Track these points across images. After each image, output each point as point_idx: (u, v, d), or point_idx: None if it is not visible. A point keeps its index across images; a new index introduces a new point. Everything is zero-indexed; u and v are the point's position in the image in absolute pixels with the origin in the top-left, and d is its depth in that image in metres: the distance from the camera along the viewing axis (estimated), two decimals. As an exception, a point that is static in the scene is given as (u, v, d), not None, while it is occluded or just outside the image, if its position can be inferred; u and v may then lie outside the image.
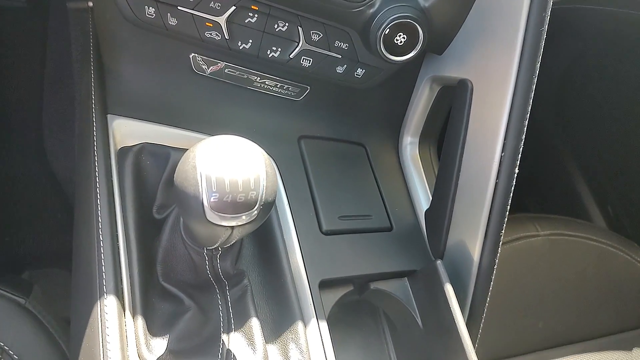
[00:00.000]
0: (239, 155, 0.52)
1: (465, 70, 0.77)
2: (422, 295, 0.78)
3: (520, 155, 0.71)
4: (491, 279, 0.74)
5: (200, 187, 0.50)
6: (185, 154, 0.55)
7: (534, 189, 1.76)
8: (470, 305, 0.76)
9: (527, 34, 0.68)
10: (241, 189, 0.50)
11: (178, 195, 0.54)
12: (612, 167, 1.58)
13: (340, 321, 0.79)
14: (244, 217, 0.52)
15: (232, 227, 0.53)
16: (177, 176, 0.54)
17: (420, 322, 0.78)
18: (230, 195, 0.50)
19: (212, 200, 0.50)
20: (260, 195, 0.52)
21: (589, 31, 1.30)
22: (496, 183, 0.71)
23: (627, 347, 1.17)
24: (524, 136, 0.71)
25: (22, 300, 0.80)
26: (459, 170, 0.77)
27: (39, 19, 1.18)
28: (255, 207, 0.52)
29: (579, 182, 1.67)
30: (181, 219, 0.65)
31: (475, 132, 0.75)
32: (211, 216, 0.51)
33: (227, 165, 0.50)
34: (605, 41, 1.30)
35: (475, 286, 0.75)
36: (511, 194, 0.72)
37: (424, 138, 0.94)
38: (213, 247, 0.64)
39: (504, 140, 0.70)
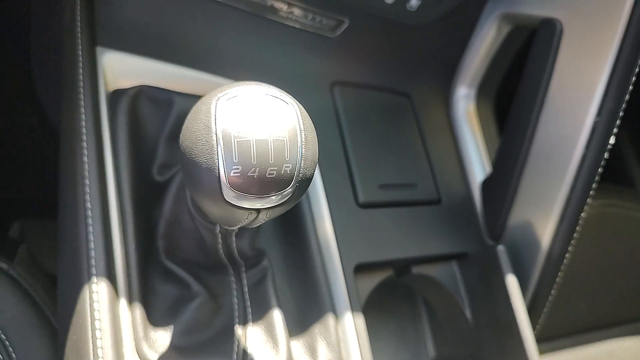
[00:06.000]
0: (269, 112, 0.40)
1: (553, 7, 0.63)
2: (473, 284, 0.68)
3: (619, 122, 0.56)
4: (560, 269, 0.63)
5: (216, 155, 0.38)
6: (195, 107, 0.41)
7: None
8: (531, 299, 0.65)
9: None
10: (272, 160, 0.39)
11: (186, 165, 0.40)
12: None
13: (372, 304, 0.69)
14: (273, 197, 0.40)
15: (258, 210, 0.41)
16: (185, 138, 0.40)
17: (468, 314, 0.68)
18: (258, 169, 0.38)
19: (232, 174, 0.39)
20: (297, 167, 0.40)
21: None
22: (584, 154, 0.58)
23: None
24: (627, 97, 0.55)
25: (5, 266, 0.70)
26: (532, 134, 0.65)
27: None
28: (290, 185, 0.40)
29: (624, 144, 1.53)
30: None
31: (561, 87, 0.62)
32: (230, 196, 0.39)
33: (253, 127, 0.39)
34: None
35: (540, 278, 0.66)
36: (600, 170, 0.58)
37: (483, 90, 0.80)
38: (230, 228, 0.51)
39: (602, 100, 0.56)
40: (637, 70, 0.56)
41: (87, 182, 0.53)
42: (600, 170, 0.59)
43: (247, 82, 0.41)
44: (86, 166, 0.54)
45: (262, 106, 0.39)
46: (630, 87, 0.56)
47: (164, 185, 0.59)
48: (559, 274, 0.64)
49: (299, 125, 0.40)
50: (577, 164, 0.59)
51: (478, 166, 0.76)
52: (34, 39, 1.08)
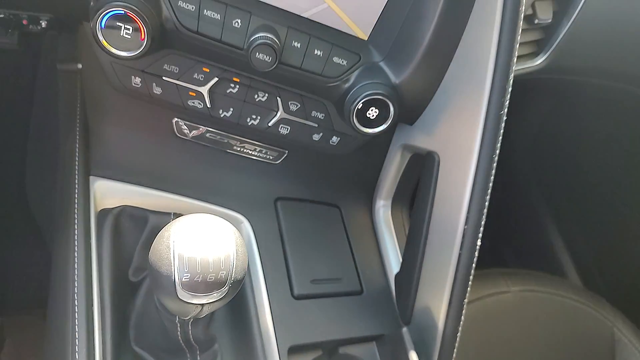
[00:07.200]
0: (210, 236, 0.54)
1: (433, 143, 0.81)
2: (389, 361, 0.79)
3: (482, 229, 0.74)
4: (454, 346, 0.76)
5: (173, 266, 0.53)
6: (160, 233, 0.58)
7: (512, 241, 1.79)
8: (436, 373, 0.77)
9: (489, 115, 0.72)
10: (211, 268, 0.53)
11: (152, 272, 0.57)
12: (586, 223, 1.62)
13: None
14: (214, 294, 0.55)
15: (203, 304, 0.55)
16: (152, 254, 0.57)
17: (387, 388, 0.79)
18: (201, 275, 0.53)
19: (183, 279, 0.53)
20: (230, 274, 0.54)
21: (561, 91, 1.37)
22: (459, 254, 0.74)
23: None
24: (485, 211, 0.74)
25: (-6, 357, 0.80)
26: (426, 237, 0.80)
27: (29, 63, 1.19)
28: (225, 286, 0.55)
29: (554, 237, 1.71)
30: None
31: (441, 202, 0.79)
32: (182, 294, 0.54)
33: (198, 246, 0.53)
34: (575, 100, 1.37)
35: (439, 354, 0.76)
36: (474, 265, 0.75)
37: (396, 201, 0.97)
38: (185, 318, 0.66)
39: (467, 213, 0.73)
40: (489, 191, 0.75)
41: (76, 284, 0.65)
42: (474, 265, 0.76)
43: (197, 215, 0.58)
44: (76, 272, 0.66)
45: (206, 232, 0.55)
46: (487, 204, 0.75)
47: (137, 285, 0.73)
48: (454, 351, 0.77)
49: (233, 245, 0.55)
50: (455, 262, 0.73)
51: (394, 262, 0.91)
52: (30, 150, 1.25)
